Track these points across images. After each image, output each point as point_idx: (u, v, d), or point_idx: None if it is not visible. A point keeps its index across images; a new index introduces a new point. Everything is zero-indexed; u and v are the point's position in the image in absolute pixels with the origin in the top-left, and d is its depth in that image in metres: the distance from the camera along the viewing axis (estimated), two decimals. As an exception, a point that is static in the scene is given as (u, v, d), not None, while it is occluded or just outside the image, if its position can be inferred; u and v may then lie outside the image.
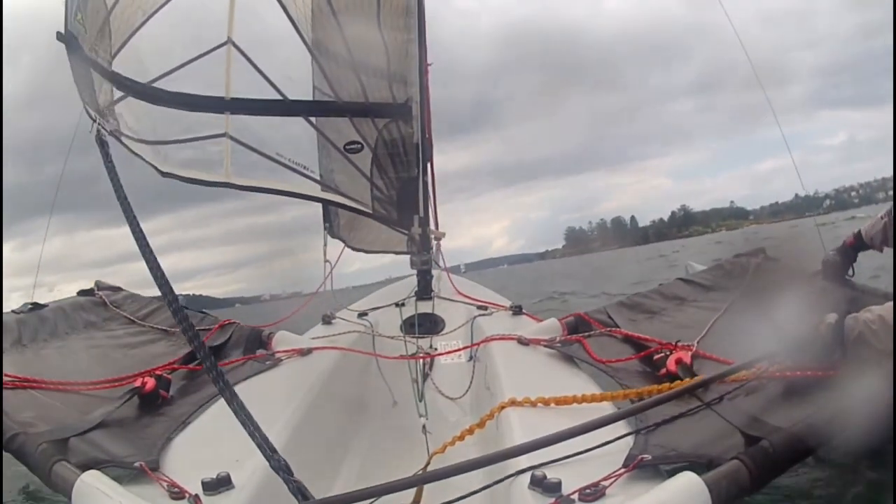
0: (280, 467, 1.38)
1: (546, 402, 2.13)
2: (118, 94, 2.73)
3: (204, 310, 3.89)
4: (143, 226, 1.75)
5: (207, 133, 2.89)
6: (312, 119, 3.28)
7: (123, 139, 2.70)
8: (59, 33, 2.69)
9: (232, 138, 2.89)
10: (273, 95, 3.02)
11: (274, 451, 1.40)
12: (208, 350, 2.41)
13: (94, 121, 2.38)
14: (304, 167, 3.15)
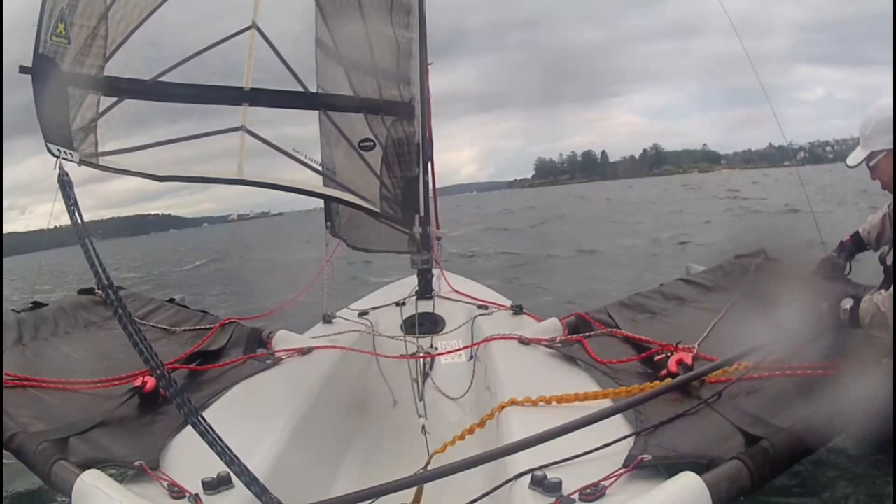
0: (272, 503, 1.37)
1: (547, 401, 2.13)
2: (106, 103, 2.64)
3: (204, 311, 3.89)
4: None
5: (219, 127, 2.80)
6: (330, 114, 3.24)
7: (103, 160, 2.60)
8: (21, 67, 2.52)
9: (248, 132, 2.81)
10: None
11: (265, 490, 1.39)
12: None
13: (57, 157, 2.28)
14: (321, 164, 3.11)
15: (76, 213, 1.82)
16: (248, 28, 2.73)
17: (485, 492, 1.60)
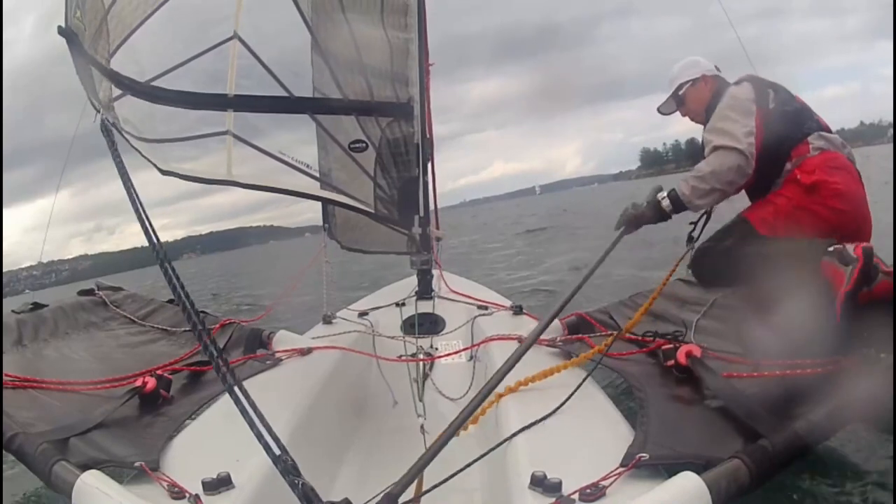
0: (288, 470, 1.37)
1: (533, 379, 2.26)
2: (117, 91, 2.72)
3: (204, 312, 3.90)
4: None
5: (209, 131, 2.86)
6: (318, 117, 3.27)
7: (124, 134, 2.70)
8: (60, 27, 2.67)
9: (235, 136, 2.86)
10: (276, 92, 3.00)
11: (296, 468, 1.38)
12: (196, 366, 2.41)
13: (98, 111, 2.39)
14: (307, 166, 3.13)
15: (119, 160, 1.85)
16: (231, 38, 2.79)
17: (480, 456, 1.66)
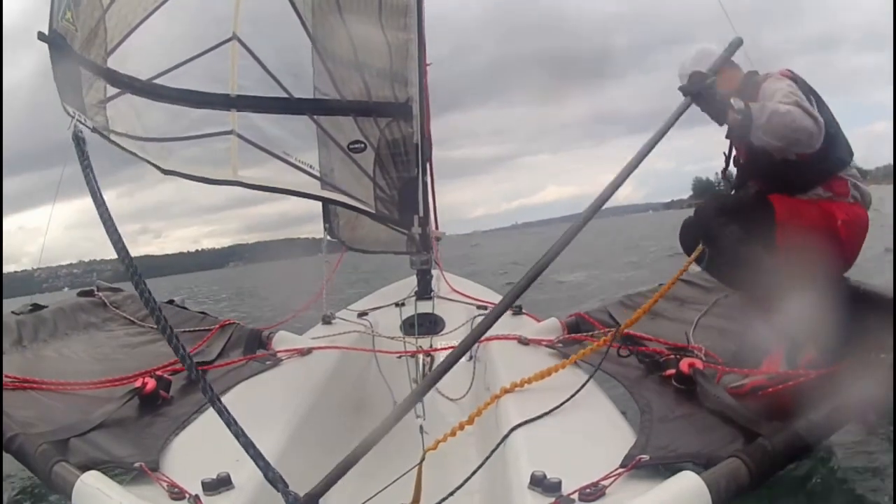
0: (277, 479, 1.39)
1: (530, 381, 2.26)
2: (112, 91, 2.72)
3: (204, 313, 3.90)
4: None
5: (212, 130, 2.87)
6: (317, 117, 3.28)
7: (113, 136, 2.68)
8: (40, 33, 2.68)
9: (239, 136, 2.87)
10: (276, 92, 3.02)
11: (268, 465, 1.40)
12: (196, 367, 2.43)
13: (73, 117, 2.37)
14: (310, 166, 3.15)
15: (90, 173, 1.84)
16: (230, 40, 2.80)
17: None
